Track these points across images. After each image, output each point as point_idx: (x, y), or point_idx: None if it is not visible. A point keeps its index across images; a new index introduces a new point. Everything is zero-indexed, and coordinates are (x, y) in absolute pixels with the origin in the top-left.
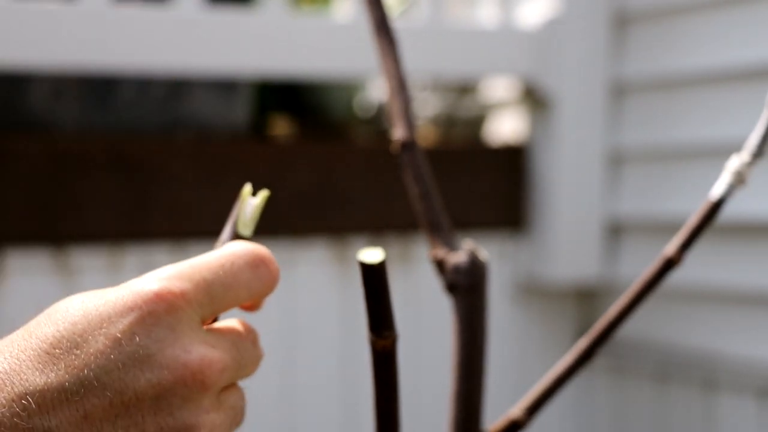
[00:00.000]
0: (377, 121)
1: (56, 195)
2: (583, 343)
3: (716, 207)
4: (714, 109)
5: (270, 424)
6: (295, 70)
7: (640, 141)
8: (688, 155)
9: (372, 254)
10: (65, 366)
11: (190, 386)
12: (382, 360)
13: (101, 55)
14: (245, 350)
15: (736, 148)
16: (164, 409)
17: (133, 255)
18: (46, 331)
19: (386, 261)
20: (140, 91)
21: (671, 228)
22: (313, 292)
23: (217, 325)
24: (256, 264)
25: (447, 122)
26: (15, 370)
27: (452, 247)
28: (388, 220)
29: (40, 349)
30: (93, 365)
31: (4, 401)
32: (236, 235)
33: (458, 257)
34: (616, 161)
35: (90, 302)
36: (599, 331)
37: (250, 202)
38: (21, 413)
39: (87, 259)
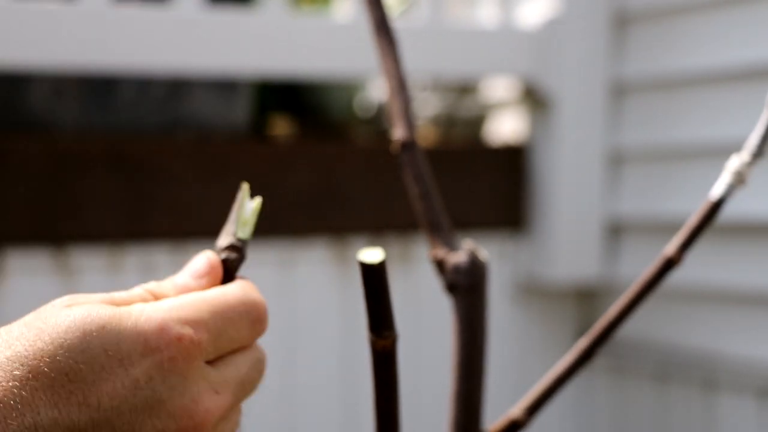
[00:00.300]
0: (377, 121)
1: (56, 195)
2: (583, 343)
3: (716, 207)
4: (714, 109)
5: (270, 424)
6: (295, 70)
7: (640, 141)
8: (688, 155)
9: (372, 254)
10: (78, 402)
11: None
12: (382, 360)
13: (101, 55)
14: (252, 369)
15: (736, 148)
16: None
17: (133, 255)
18: (60, 358)
19: (386, 261)
20: (140, 91)
21: (671, 228)
22: (313, 292)
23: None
24: (258, 322)
25: (447, 122)
26: (27, 401)
27: (452, 247)
28: (388, 220)
29: (53, 379)
30: (107, 405)
31: None
32: (236, 239)
33: (458, 257)
34: (616, 161)
35: (109, 334)
36: (599, 331)
37: (249, 204)
38: None
39: (87, 259)
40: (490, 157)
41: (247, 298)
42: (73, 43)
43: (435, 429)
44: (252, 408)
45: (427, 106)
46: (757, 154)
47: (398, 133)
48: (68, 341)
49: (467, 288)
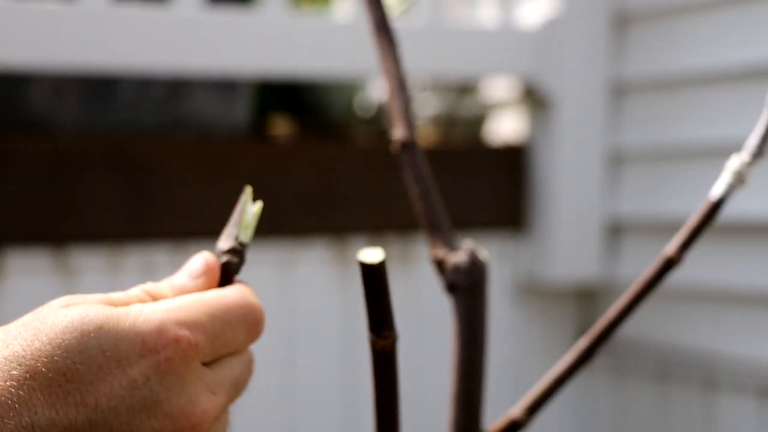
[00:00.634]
0: (377, 121)
1: (56, 195)
2: (583, 343)
3: (716, 207)
4: (714, 109)
5: (270, 424)
6: (295, 70)
7: (640, 141)
8: (688, 155)
9: (372, 254)
10: (75, 403)
11: None
12: (382, 360)
13: (101, 55)
14: (244, 370)
15: (736, 148)
16: None
17: (133, 255)
18: (57, 358)
19: (386, 261)
20: (140, 91)
21: (671, 228)
22: (313, 292)
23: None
24: (255, 326)
25: (447, 122)
26: (24, 400)
27: (452, 247)
28: (388, 220)
29: (50, 379)
30: (105, 406)
31: None
32: (238, 243)
33: (458, 257)
34: (616, 161)
35: (107, 334)
36: (599, 331)
37: (250, 208)
38: None
39: (87, 259)
40: (490, 157)
41: (245, 302)
42: (73, 43)
43: (435, 429)
44: (252, 408)
45: (427, 106)
46: (757, 154)
47: (398, 133)
48: (66, 341)
49: (467, 288)
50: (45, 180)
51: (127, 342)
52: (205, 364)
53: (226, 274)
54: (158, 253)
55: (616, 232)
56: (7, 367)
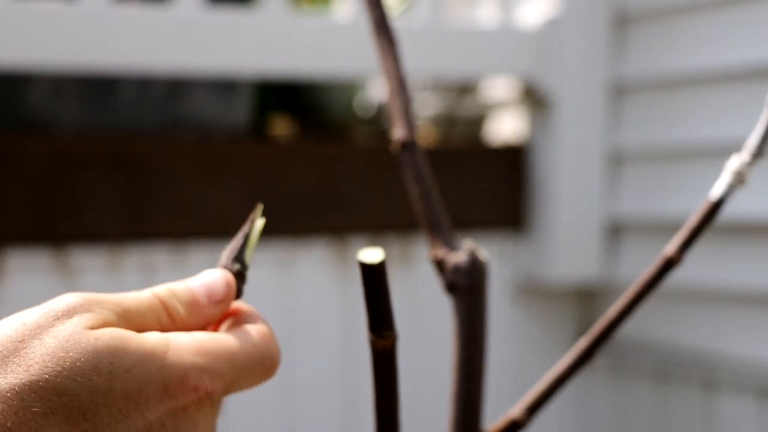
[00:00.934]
0: (377, 121)
1: (56, 195)
2: (583, 343)
3: (716, 207)
4: (714, 109)
5: (270, 424)
6: (295, 70)
7: (640, 141)
8: (688, 155)
9: (372, 254)
10: (93, 428)
11: None
12: (382, 360)
13: (101, 55)
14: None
15: (736, 148)
16: None
17: (133, 255)
18: (83, 397)
19: (386, 261)
20: (140, 91)
21: (671, 228)
22: (313, 292)
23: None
24: (270, 370)
25: (447, 122)
26: (23, 423)
27: (452, 247)
28: (388, 220)
29: (70, 416)
30: None
31: None
32: (241, 264)
33: (458, 257)
34: (616, 161)
35: (133, 378)
36: (599, 331)
37: (256, 225)
38: None
39: (87, 259)
40: (490, 157)
41: (266, 349)
42: (73, 43)
43: (435, 429)
44: (252, 408)
45: (427, 106)
46: (757, 154)
47: (398, 133)
48: (92, 382)
49: (467, 288)
50: (45, 180)
51: (151, 387)
52: None
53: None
54: (158, 253)
55: (616, 232)
56: (28, 398)
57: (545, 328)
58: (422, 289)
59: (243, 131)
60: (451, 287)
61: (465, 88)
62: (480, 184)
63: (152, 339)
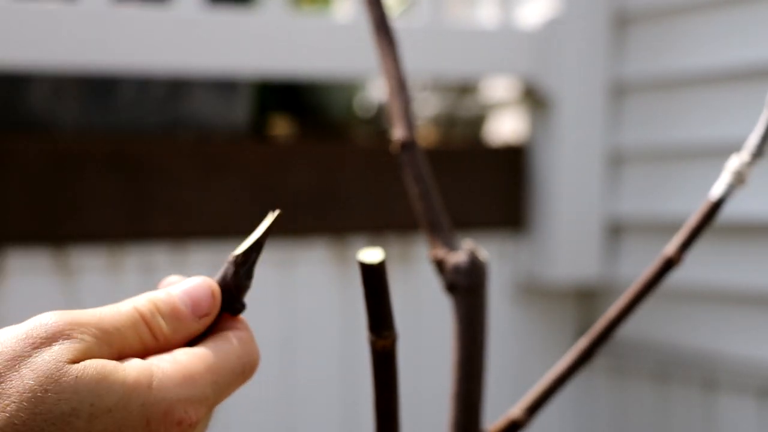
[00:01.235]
0: (377, 121)
1: (56, 195)
2: (583, 343)
3: (716, 207)
4: (714, 109)
5: (270, 424)
6: (295, 70)
7: (640, 141)
8: (688, 155)
9: (372, 254)
10: None
11: None
12: (382, 360)
13: (101, 55)
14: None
15: (736, 148)
16: None
17: (133, 255)
18: (73, 418)
19: (386, 261)
20: (140, 91)
21: (671, 228)
22: (313, 292)
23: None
24: (249, 373)
25: (447, 122)
26: None
27: (452, 247)
28: (388, 220)
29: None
30: None
31: None
32: (246, 274)
33: (458, 257)
34: (616, 161)
35: (114, 417)
36: (599, 331)
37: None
38: None
39: (87, 259)
40: (490, 157)
41: (247, 358)
42: (73, 43)
43: (435, 429)
44: (252, 408)
45: (427, 106)
46: (757, 154)
47: (398, 133)
48: (71, 426)
49: (467, 288)
50: (45, 180)
51: (133, 423)
52: None
53: (238, 293)
54: (158, 253)
55: (616, 232)
56: None
57: (545, 328)
58: (422, 289)
59: (243, 131)
60: (451, 287)
61: (465, 88)
62: (480, 184)
63: (134, 372)
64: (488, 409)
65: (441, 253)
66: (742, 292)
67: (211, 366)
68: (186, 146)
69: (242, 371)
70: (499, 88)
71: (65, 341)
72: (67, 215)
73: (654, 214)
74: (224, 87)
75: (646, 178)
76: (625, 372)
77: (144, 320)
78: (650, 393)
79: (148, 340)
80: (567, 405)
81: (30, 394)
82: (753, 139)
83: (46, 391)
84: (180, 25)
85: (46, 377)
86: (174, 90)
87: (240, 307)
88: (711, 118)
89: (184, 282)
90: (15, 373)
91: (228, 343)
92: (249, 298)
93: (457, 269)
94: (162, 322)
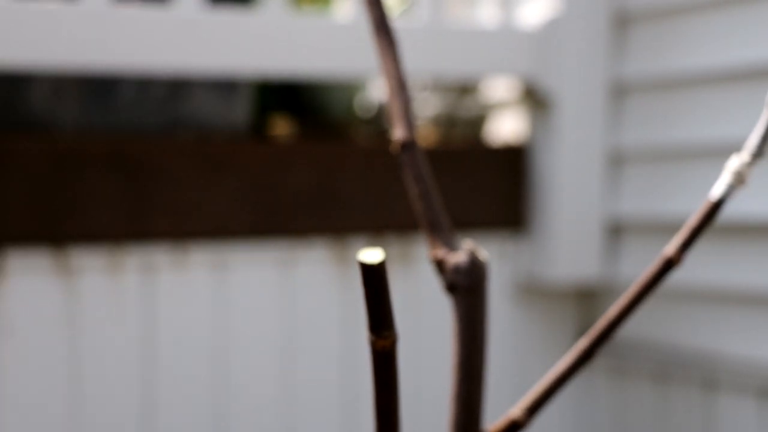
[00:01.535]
0: (377, 121)
1: (56, 195)
2: (583, 343)
3: (716, 207)
4: (714, 109)
5: (269, 424)
6: (295, 70)
7: (641, 141)
8: (688, 155)
9: (372, 254)
10: None
11: None
12: (382, 360)
13: (101, 55)
14: None
15: (736, 148)
16: None
17: (133, 255)
18: None
19: (386, 261)
20: (140, 91)
21: (671, 228)
22: (313, 292)
23: None
24: None
25: (447, 122)
26: None
27: (452, 247)
28: (388, 220)
29: None
30: None
31: None
32: None
33: (458, 257)
34: (617, 161)
35: None
36: (599, 331)
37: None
38: None
39: (87, 259)
40: (490, 157)
41: None
42: (73, 43)
43: (435, 429)
44: (252, 408)
45: (427, 106)
46: (757, 154)
47: (398, 133)
48: None
49: (467, 288)
50: (45, 180)
51: None
52: None
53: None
54: (158, 253)
55: (616, 232)
56: None
57: (545, 328)
58: (422, 289)
59: (243, 131)
60: (451, 287)
61: (465, 88)
62: (480, 184)
63: None
64: (488, 409)
65: (441, 253)
66: (742, 292)
67: None
68: (186, 146)
69: None
70: (499, 88)
71: None
72: (67, 215)
73: (654, 214)
74: (224, 87)
75: (646, 178)
76: (625, 372)
77: None
78: (650, 393)
79: None
80: (567, 405)
81: None
82: (753, 139)
83: None
84: (180, 25)
85: None
86: (174, 90)
87: None
88: (711, 118)
89: None
90: None
91: None
92: (249, 298)
93: (457, 269)
94: None
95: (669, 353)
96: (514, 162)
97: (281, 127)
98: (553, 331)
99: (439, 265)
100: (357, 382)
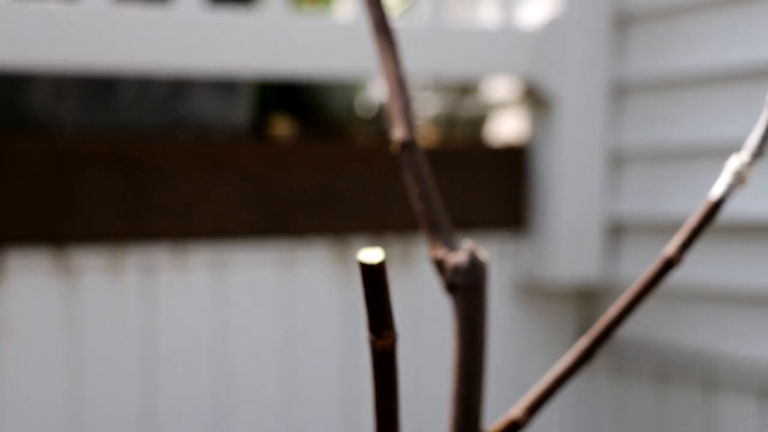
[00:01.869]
0: (377, 121)
1: (56, 195)
2: (583, 343)
3: (716, 207)
4: (714, 109)
5: (270, 424)
6: (295, 70)
7: (641, 141)
8: (688, 155)
9: (372, 254)
10: None
11: None
12: (381, 360)
13: (101, 55)
14: None
15: (736, 148)
16: None
17: (133, 255)
18: None
19: (386, 261)
20: (140, 91)
21: (671, 228)
22: (313, 292)
23: None
24: None
25: (447, 122)
26: None
27: (452, 247)
28: (388, 220)
29: None
30: None
31: None
32: None
33: (458, 257)
34: (617, 161)
35: None
36: (599, 331)
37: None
38: None
39: (87, 259)
40: (490, 157)
41: None
42: (73, 43)
43: (435, 429)
44: (252, 408)
45: (428, 106)
46: (757, 154)
47: (398, 133)
48: None
49: (467, 288)
50: (45, 180)
51: None
52: None
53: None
54: (158, 253)
55: (616, 232)
56: None
57: (545, 328)
58: (422, 289)
59: (243, 131)
60: (451, 287)
61: (465, 88)
62: (480, 184)
63: None
64: (488, 409)
65: (441, 253)
66: (742, 292)
67: None
68: (186, 146)
69: None
70: (499, 88)
71: None
72: (67, 215)
73: (654, 214)
74: (224, 87)
75: (646, 178)
76: (625, 372)
77: None
78: (650, 393)
79: None
80: (567, 405)
81: None
82: (753, 139)
83: None
84: (180, 25)
85: None
86: (174, 90)
87: None
88: (711, 118)
89: None
90: None
91: None
92: (249, 298)
93: (457, 269)
94: None
95: (669, 353)
96: (514, 162)
97: (281, 127)
98: (553, 331)
99: (439, 265)
100: (357, 382)
